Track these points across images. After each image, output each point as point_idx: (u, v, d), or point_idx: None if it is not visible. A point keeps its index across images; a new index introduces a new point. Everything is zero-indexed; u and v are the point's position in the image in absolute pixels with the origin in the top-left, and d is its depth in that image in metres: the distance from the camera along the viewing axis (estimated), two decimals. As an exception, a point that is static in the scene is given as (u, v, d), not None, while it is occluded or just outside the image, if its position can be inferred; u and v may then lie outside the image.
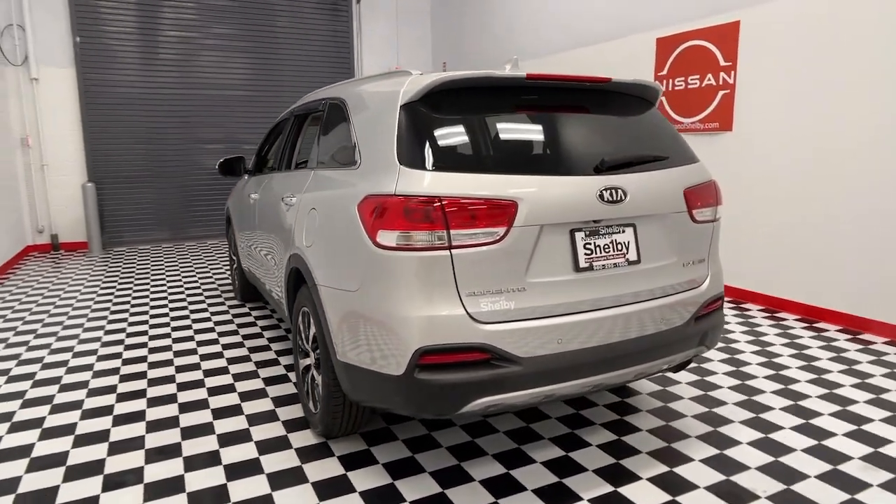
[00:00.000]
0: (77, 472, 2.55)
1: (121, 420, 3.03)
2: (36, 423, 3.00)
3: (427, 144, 2.18)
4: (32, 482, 2.48)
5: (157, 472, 2.55)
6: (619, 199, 2.29)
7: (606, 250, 2.31)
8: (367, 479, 2.48)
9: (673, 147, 2.64)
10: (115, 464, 2.61)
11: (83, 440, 2.82)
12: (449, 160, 2.17)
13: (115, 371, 3.68)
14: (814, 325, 4.48)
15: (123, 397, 3.30)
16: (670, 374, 3.51)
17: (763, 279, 5.02)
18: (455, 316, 2.08)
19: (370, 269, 2.17)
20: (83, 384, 3.49)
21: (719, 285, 2.70)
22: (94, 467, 2.59)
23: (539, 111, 2.44)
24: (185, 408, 3.16)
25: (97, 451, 2.72)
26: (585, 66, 6.67)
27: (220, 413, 3.10)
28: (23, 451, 2.73)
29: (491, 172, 2.16)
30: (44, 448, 2.75)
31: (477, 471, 2.54)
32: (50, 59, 7.55)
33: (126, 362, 3.84)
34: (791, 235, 4.74)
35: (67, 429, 2.94)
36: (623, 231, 2.36)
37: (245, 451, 2.71)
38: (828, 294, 4.53)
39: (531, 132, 2.39)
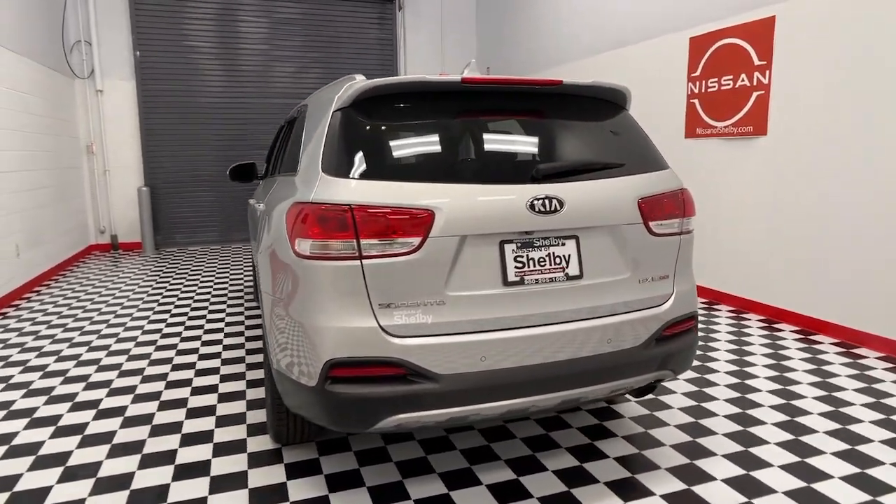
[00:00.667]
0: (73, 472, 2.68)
1: (132, 422, 3.17)
2: (52, 420, 3.20)
3: (349, 152, 2.13)
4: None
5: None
6: (553, 209, 2.14)
7: (542, 264, 2.17)
8: (303, 489, 2.46)
9: (638, 153, 2.46)
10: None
11: (91, 440, 2.98)
12: (369, 168, 2.10)
13: (139, 371, 3.88)
14: (851, 350, 4.04)
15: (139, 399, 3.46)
16: (652, 396, 3.27)
17: (799, 299, 4.59)
18: (366, 328, 2.01)
19: (292, 277, 2.15)
20: (107, 384, 3.69)
21: (689, 305, 2.47)
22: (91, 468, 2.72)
23: (481, 117, 2.33)
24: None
25: (97, 453, 2.86)
26: (618, 69, 6.40)
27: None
28: (30, 449, 2.91)
29: (412, 181, 2.08)
30: (49, 446, 2.92)
31: (417, 490, 2.45)
32: (113, 73, 8.11)
33: (153, 363, 4.03)
34: (828, 251, 4.32)
35: (77, 428, 3.11)
36: (563, 244, 2.21)
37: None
38: (867, 316, 4.08)
39: (464, 139, 2.29)
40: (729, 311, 5.02)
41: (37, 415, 3.17)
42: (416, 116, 2.26)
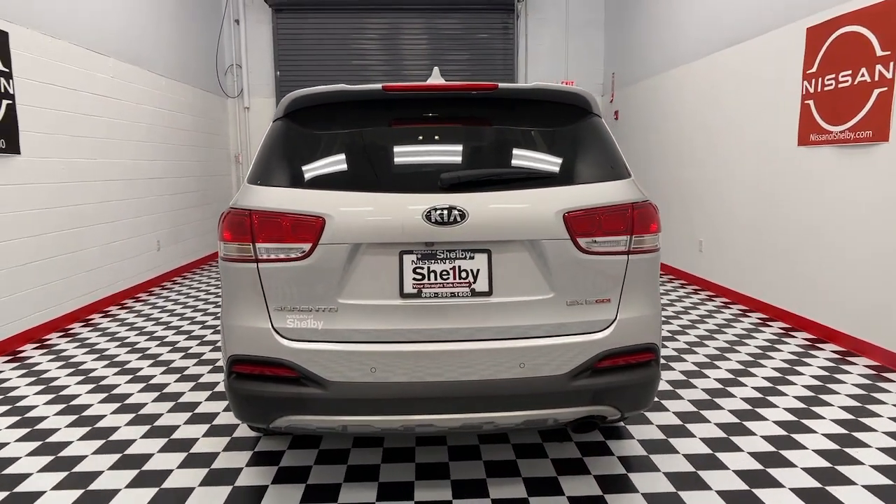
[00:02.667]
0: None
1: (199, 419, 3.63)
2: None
3: (269, 160, 2.21)
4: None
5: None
6: (453, 220, 2.01)
7: (444, 277, 2.05)
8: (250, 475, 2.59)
9: (589, 161, 2.21)
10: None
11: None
12: (279, 176, 2.16)
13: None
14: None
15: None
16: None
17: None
18: (260, 329, 2.07)
19: (221, 277, 2.29)
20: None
21: (639, 335, 2.15)
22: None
23: (413, 124, 2.27)
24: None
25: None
26: (730, 69, 5.69)
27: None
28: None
29: (313, 188, 2.10)
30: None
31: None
32: (257, 91, 9.18)
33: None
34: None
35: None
36: (472, 257, 2.06)
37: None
38: None
39: (377, 148, 2.24)
40: (834, 352, 4.18)
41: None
42: (340, 125, 2.27)
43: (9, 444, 2.90)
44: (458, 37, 9.26)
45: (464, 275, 2.05)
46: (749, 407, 3.26)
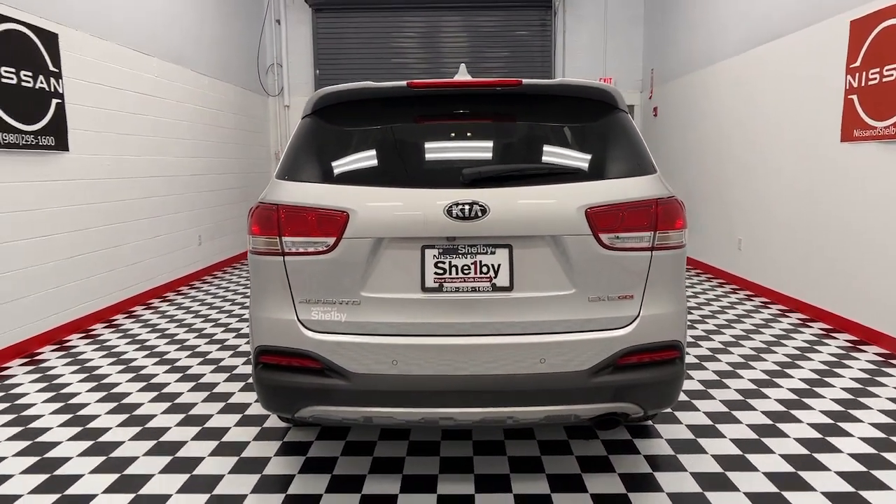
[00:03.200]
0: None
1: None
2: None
3: (296, 157, 2.27)
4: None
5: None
6: (474, 215, 2.02)
7: (465, 271, 2.07)
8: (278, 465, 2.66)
9: (614, 157, 2.20)
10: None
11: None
12: (306, 171, 2.21)
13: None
14: None
15: (202, 361, 4.08)
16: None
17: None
18: (286, 321, 2.13)
19: (250, 270, 2.36)
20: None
21: (664, 332, 2.12)
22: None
23: (438, 121, 2.29)
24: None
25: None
26: (770, 65, 5.52)
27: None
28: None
29: (340, 183, 2.14)
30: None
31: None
32: (297, 90, 9.35)
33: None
34: None
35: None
36: (493, 252, 2.07)
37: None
38: None
39: (401, 143, 2.27)
40: (877, 354, 4.03)
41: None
42: (366, 122, 2.30)
43: (51, 428, 3.05)
44: (496, 34, 9.23)
45: (485, 269, 2.06)
46: (783, 409, 3.18)
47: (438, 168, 2.20)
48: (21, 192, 4.22)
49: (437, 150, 2.26)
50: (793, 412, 3.14)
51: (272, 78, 9.30)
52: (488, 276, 2.06)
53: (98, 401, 3.40)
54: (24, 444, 2.87)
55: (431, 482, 2.49)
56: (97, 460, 2.71)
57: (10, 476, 2.57)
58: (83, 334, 4.72)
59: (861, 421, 3.02)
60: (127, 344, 4.48)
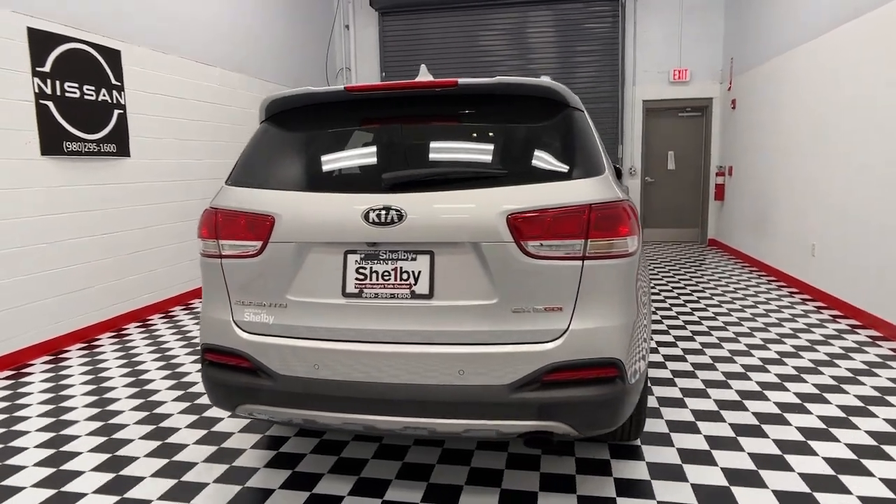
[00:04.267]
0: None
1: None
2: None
3: (243, 163, 2.33)
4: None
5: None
6: (390, 221, 1.98)
7: (386, 278, 2.03)
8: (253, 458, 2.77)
9: (555, 158, 2.07)
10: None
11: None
12: (246, 177, 2.26)
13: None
14: None
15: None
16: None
17: None
18: (224, 321, 2.21)
19: None
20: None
21: (596, 349, 1.96)
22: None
23: (372, 124, 2.26)
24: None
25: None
26: (859, 42, 4.90)
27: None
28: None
29: (271, 188, 2.18)
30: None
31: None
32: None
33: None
34: None
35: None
36: (414, 258, 2.02)
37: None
38: None
39: (335, 147, 2.25)
40: (949, 381, 3.48)
41: (171, 360, 4.20)
42: (310, 127, 2.32)
43: (124, 411, 3.36)
44: (561, 29, 8.96)
45: (405, 276, 2.02)
46: (799, 438, 2.83)
47: (364, 172, 2.18)
48: (86, 193, 4.69)
49: (366, 155, 2.23)
50: (811, 443, 2.79)
51: (341, 82, 9.63)
52: (408, 283, 2.01)
53: (168, 388, 3.71)
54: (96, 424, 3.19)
55: (456, 492, 2.45)
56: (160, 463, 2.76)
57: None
58: (139, 324, 5.16)
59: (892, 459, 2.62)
60: (186, 335, 4.84)
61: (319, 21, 9.01)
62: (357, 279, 2.05)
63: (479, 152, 2.16)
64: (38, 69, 4.26)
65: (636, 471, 2.58)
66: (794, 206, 6.04)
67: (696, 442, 2.82)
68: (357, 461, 2.71)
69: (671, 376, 3.66)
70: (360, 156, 2.22)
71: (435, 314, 2.00)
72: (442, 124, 2.22)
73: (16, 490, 2.54)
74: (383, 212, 1.99)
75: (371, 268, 2.05)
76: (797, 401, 3.26)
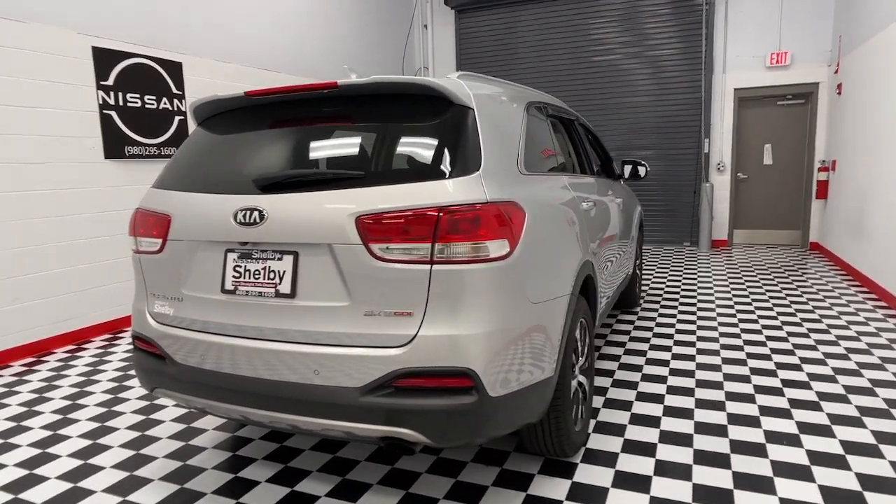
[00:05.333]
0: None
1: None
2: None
3: (168, 164, 2.51)
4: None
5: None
6: (253, 221, 2.04)
7: (256, 276, 2.10)
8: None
9: (426, 157, 2.02)
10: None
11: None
12: (165, 178, 2.41)
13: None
14: None
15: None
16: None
17: None
18: (141, 310, 2.41)
19: None
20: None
21: (448, 357, 1.88)
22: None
23: (268, 128, 2.32)
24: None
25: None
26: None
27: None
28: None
29: (174, 189, 2.32)
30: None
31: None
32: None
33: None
34: None
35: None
36: (280, 258, 2.06)
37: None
38: None
39: (229, 150, 2.33)
40: None
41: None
42: (218, 130, 2.44)
43: None
44: (637, 19, 8.42)
45: (272, 275, 2.07)
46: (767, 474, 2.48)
47: (243, 174, 2.25)
48: (145, 192, 5.27)
49: (248, 157, 2.29)
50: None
51: (420, 81, 9.82)
52: (274, 282, 2.07)
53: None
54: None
55: (362, 490, 2.52)
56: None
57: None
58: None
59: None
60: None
61: (396, 22, 9.26)
62: (234, 276, 2.14)
63: (346, 153, 2.15)
64: (101, 83, 4.86)
65: (552, 489, 2.42)
66: (891, 207, 5.20)
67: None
68: (347, 462, 2.70)
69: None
70: (243, 158, 2.30)
71: (296, 314, 2.03)
72: (325, 125, 2.23)
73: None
74: (248, 212, 2.06)
75: (245, 266, 2.13)
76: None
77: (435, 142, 2.05)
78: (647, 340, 4.32)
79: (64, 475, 2.68)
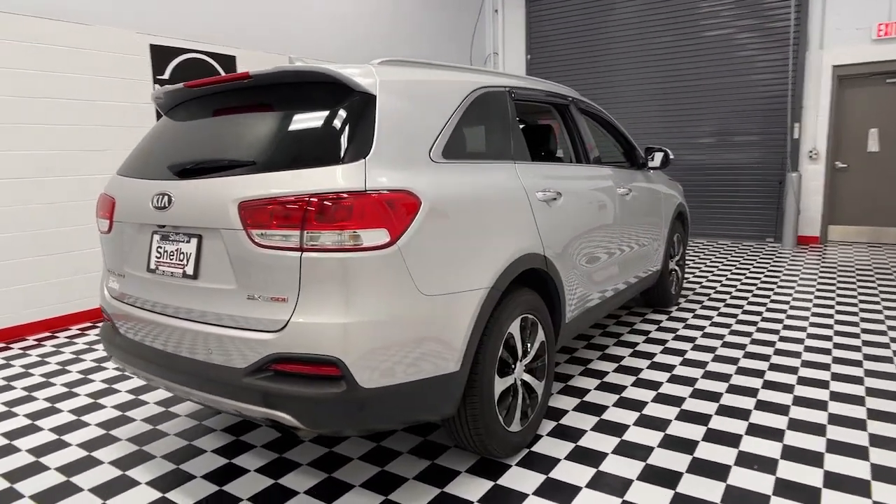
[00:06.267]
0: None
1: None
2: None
3: (131, 153, 2.70)
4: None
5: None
6: (163, 205, 2.16)
7: (171, 257, 2.21)
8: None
9: (316, 144, 2.02)
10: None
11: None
12: (124, 164, 2.61)
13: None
14: None
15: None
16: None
17: None
18: (102, 285, 2.63)
19: None
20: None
21: (315, 344, 1.88)
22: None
23: (215, 116, 2.42)
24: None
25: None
26: None
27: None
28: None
29: (124, 174, 2.50)
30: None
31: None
32: (512, 72, 9.52)
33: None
34: None
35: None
36: (188, 241, 2.16)
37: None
38: None
39: (165, 139, 2.44)
40: None
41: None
42: (173, 119, 2.57)
43: None
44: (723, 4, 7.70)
45: (181, 257, 2.18)
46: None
47: (163, 161, 2.35)
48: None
49: (173, 145, 2.39)
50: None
51: (489, 67, 9.68)
52: (182, 263, 2.17)
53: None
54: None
55: (342, 490, 2.59)
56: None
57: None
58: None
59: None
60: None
61: (465, 8, 9.18)
62: (156, 257, 2.27)
63: (246, 141, 2.18)
64: (158, 77, 5.30)
65: (468, 489, 2.34)
66: None
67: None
68: (340, 458, 2.64)
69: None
70: (169, 146, 2.42)
71: (196, 294, 2.13)
72: (239, 114, 2.29)
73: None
74: (160, 196, 2.18)
75: (163, 248, 2.25)
76: None
77: (325, 129, 2.04)
78: (662, 343, 4.01)
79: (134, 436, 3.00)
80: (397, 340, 1.97)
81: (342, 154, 1.96)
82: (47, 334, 4.63)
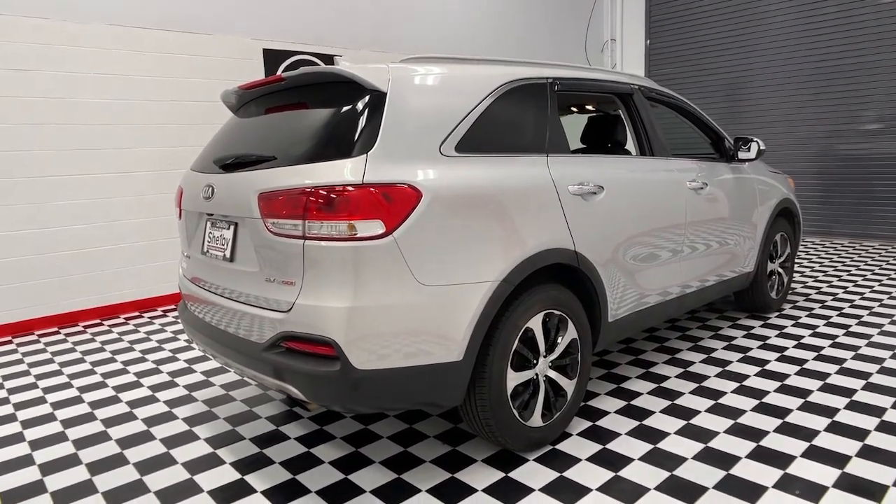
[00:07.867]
0: None
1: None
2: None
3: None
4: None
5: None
6: (209, 196, 2.42)
7: (216, 241, 2.49)
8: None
9: (329, 140, 2.18)
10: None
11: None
12: (196, 159, 2.95)
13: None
14: None
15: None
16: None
17: None
18: (179, 267, 3.01)
19: None
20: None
21: (315, 325, 2.04)
22: None
23: (265, 114, 2.65)
24: None
25: None
26: None
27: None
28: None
29: (192, 169, 2.83)
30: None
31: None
32: (629, 63, 9.08)
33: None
34: None
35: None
36: (228, 227, 2.41)
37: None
38: None
39: (222, 136, 2.70)
40: None
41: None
42: (237, 117, 2.86)
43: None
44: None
45: (223, 242, 2.44)
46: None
47: (214, 156, 2.62)
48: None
49: (224, 142, 2.65)
50: None
51: (607, 54, 9.31)
52: (223, 247, 2.44)
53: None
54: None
55: (351, 494, 2.79)
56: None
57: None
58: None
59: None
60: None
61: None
62: (207, 241, 2.57)
63: (273, 138, 2.37)
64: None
65: (476, 478, 2.36)
66: None
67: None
68: (372, 435, 2.75)
69: None
70: (222, 142, 2.68)
71: (232, 275, 2.38)
72: (275, 114, 2.50)
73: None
74: (207, 188, 2.46)
75: (212, 233, 2.53)
76: None
77: (337, 126, 2.17)
78: (745, 350, 3.67)
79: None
80: (393, 326, 2.06)
81: (350, 149, 2.08)
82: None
